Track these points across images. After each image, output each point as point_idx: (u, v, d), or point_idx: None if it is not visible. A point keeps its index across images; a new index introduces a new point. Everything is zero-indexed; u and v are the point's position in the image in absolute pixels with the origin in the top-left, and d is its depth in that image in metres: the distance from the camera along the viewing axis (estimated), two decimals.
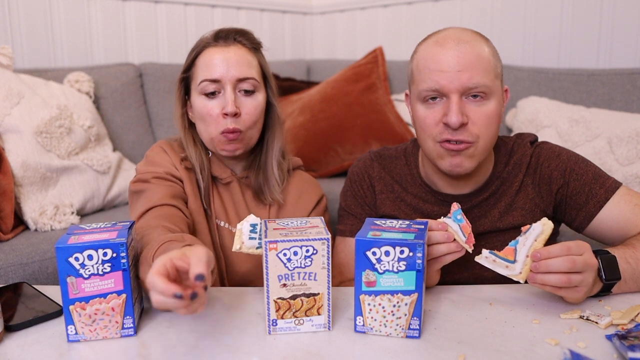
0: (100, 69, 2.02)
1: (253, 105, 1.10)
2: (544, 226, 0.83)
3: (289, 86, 2.42)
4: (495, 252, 0.84)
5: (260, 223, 0.86)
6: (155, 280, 0.66)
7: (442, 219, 0.87)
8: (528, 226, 0.84)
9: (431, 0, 2.46)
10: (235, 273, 1.14)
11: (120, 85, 2.04)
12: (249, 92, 1.10)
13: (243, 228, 0.86)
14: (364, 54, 2.48)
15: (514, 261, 0.83)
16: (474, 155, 0.99)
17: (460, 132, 0.96)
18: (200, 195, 1.13)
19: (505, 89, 1.05)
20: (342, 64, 2.45)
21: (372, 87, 2.20)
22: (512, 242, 0.84)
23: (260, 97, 1.12)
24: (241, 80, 1.09)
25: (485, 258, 0.84)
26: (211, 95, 1.09)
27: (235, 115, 1.08)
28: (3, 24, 1.94)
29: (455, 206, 0.88)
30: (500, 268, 0.83)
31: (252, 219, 0.86)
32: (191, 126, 1.17)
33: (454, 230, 0.85)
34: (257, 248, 0.85)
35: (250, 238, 0.85)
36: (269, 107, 1.16)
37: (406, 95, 1.11)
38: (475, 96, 0.96)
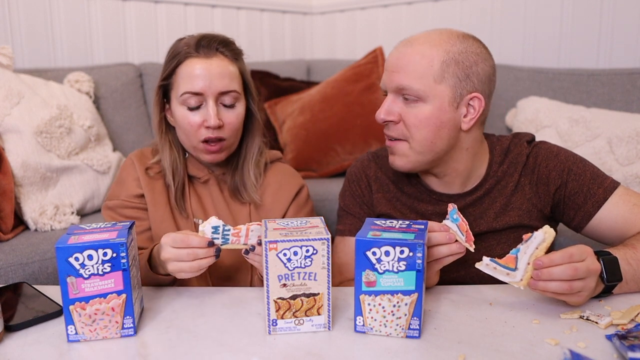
0: (100, 69, 2.02)
1: (234, 115, 1.11)
2: (546, 234, 0.82)
3: (289, 86, 2.42)
4: (496, 259, 0.84)
5: (222, 225, 0.89)
6: (190, 235, 0.88)
7: (443, 222, 0.87)
8: (529, 234, 0.83)
9: (431, 0, 2.46)
10: (218, 268, 1.14)
11: (120, 85, 2.04)
12: (230, 105, 1.11)
13: (205, 230, 0.89)
14: (364, 54, 2.48)
15: (515, 269, 0.82)
16: (407, 154, 1.04)
17: (389, 127, 1.03)
18: (168, 199, 1.14)
19: (473, 96, 1.00)
20: (342, 64, 2.45)
21: (372, 87, 2.20)
22: (513, 250, 0.83)
23: (240, 108, 1.13)
24: (223, 93, 1.09)
25: (486, 265, 0.84)
26: (193, 107, 1.09)
27: (218, 127, 1.09)
28: (3, 24, 1.94)
29: (450, 206, 0.89)
30: (501, 275, 0.83)
31: (214, 221, 0.89)
32: (168, 129, 1.17)
33: (454, 231, 0.85)
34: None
35: (214, 240, 0.89)
36: (248, 113, 1.17)
37: None
38: (406, 98, 1.00)
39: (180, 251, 0.88)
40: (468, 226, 0.88)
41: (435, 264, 0.87)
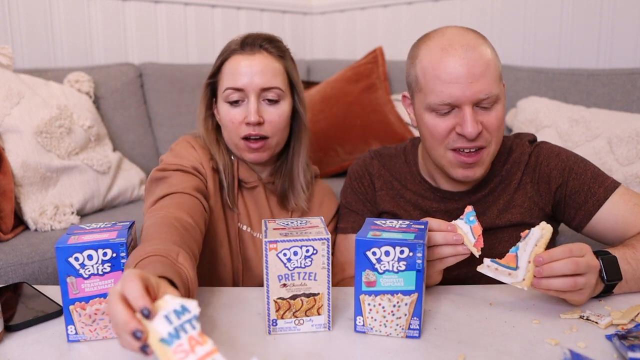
0: (100, 69, 2.02)
1: (277, 114, 1.10)
2: (543, 230, 0.82)
3: None
4: (497, 260, 0.83)
5: (186, 310, 0.60)
6: (117, 305, 0.59)
7: (454, 222, 0.86)
8: (527, 231, 0.83)
9: (431, 0, 2.46)
10: (254, 277, 1.14)
11: (120, 85, 2.04)
12: (273, 101, 1.10)
13: (154, 323, 0.60)
14: (364, 54, 2.48)
15: (516, 268, 0.82)
16: (485, 162, 1.02)
17: (475, 139, 0.97)
18: (221, 197, 1.12)
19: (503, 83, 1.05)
20: (342, 64, 2.45)
21: (372, 87, 2.20)
22: (513, 248, 0.83)
23: (285, 106, 1.11)
24: (265, 89, 1.09)
25: (487, 267, 0.83)
26: (235, 103, 1.10)
27: (258, 124, 1.08)
28: (3, 24, 1.94)
29: (469, 208, 0.87)
30: (503, 276, 0.82)
31: (175, 303, 0.60)
32: (216, 129, 1.17)
33: (464, 232, 0.85)
34: (162, 340, 0.58)
35: (164, 327, 0.59)
36: (295, 114, 1.16)
37: (404, 97, 1.10)
38: (484, 106, 0.98)
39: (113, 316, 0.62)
40: (482, 231, 0.86)
41: (439, 264, 0.87)
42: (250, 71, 1.08)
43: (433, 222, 0.86)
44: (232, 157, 1.16)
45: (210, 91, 1.16)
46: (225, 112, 1.10)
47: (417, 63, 1.01)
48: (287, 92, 1.12)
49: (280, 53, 1.13)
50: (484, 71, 0.95)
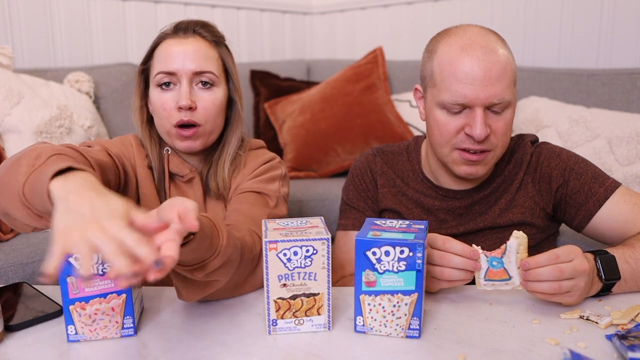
0: (100, 69, 2.02)
1: (210, 100, 1.05)
2: (518, 239, 0.83)
3: (288, 86, 2.42)
4: (488, 277, 0.85)
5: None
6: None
7: (477, 249, 0.85)
8: (503, 246, 0.83)
9: (431, 0, 2.46)
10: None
11: (120, 85, 2.04)
12: (206, 85, 1.05)
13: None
14: (364, 54, 2.48)
15: (509, 278, 0.84)
16: (489, 162, 1.02)
17: (482, 142, 0.98)
18: (159, 196, 1.08)
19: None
20: (342, 64, 2.45)
21: (372, 87, 2.20)
22: (496, 264, 0.84)
23: (219, 93, 1.06)
24: (198, 73, 1.04)
25: (484, 285, 0.85)
26: (166, 86, 1.04)
27: (190, 109, 1.02)
28: (3, 24, 1.94)
29: (498, 252, 0.84)
30: (502, 287, 0.85)
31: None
32: (149, 120, 1.12)
33: (509, 261, 0.84)
34: None
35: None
36: (230, 103, 1.11)
37: (416, 90, 1.10)
38: (495, 111, 0.98)
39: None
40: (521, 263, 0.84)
41: (444, 284, 0.87)
42: (183, 54, 1.03)
43: (456, 245, 0.85)
44: (165, 150, 1.10)
45: (144, 80, 1.11)
46: (157, 97, 1.05)
47: (435, 58, 1.01)
48: (221, 78, 1.07)
49: (214, 38, 1.08)
50: (501, 75, 0.95)
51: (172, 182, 1.11)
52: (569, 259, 0.81)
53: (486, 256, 0.84)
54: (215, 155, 1.11)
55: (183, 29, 1.07)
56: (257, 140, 1.20)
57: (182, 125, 1.03)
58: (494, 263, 0.84)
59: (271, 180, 1.09)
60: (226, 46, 1.11)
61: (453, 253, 0.84)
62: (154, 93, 1.06)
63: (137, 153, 1.09)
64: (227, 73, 1.10)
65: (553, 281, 0.80)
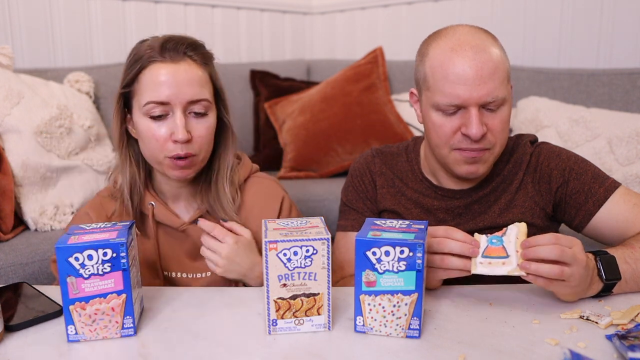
0: (100, 69, 2.02)
1: (204, 127, 1.00)
2: (518, 226, 0.84)
3: (288, 86, 2.42)
4: (486, 254, 0.83)
5: None
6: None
7: (477, 236, 0.85)
8: (504, 229, 0.84)
9: (431, 0, 2.46)
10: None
11: None
12: (199, 115, 1.00)
13: None
14: (364, 54, 2.48)
15: (507, 256, 0.82)
16: (488, 160, 1.02)
17: (480, 141, 0.98)
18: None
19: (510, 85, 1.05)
20: (342, 64, 2.45)
21: (372, 87, 2.20)
22: (496, 242, 0.83)
23: (211, 119, 1.02)
24: (192, 102, 0.98)
25: (480, 264, 0.83)
26: (157, 118, 0.98)
27: (187, 141, 0.97)
28: (3, 24, 1.94)
29: (499, 233, 0.85)
30: (498, 268, 0.82)
31: None
32: (130, 143, 1.06)
33: (505, 247, 0.84)
34: None
35: None
36: (220, 124, 1.06)
37: (412, 93, 1.11)
38: (490, 109, 0.98)
39: None
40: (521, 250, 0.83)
41: (442, 273, 0.87)
42: (175, 83, 0.96)
43: (457, 233, 0.85)
44: (149, 204, 1.06)
45: (123, 101, 1.04)
46: (146, 128, 0.98)
47: (427, 61, 1.01)
48: (213, 102, 1.02)
49: (205, 60, 1.02)
50: (492, 74, 0.95)
51: (161, 230, 1.08)
52: (570, 245, 0.81)
53: (487, 236, 0.85)
54: (211, 179, 1.07)
55: (171, 49, 0.98)
56: (249, 165, 1.15)
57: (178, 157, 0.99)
58: (494, 241, 0.84)
59: (290, 211, 1.13)
60: (213, 64, 1.06)
61: (453, 239, 0.84)
62: (142, 122, 0.99)
63: (97, 219, 1.06)
64: (217, 94, 1.05)
65: (556, 264, 0.79)
